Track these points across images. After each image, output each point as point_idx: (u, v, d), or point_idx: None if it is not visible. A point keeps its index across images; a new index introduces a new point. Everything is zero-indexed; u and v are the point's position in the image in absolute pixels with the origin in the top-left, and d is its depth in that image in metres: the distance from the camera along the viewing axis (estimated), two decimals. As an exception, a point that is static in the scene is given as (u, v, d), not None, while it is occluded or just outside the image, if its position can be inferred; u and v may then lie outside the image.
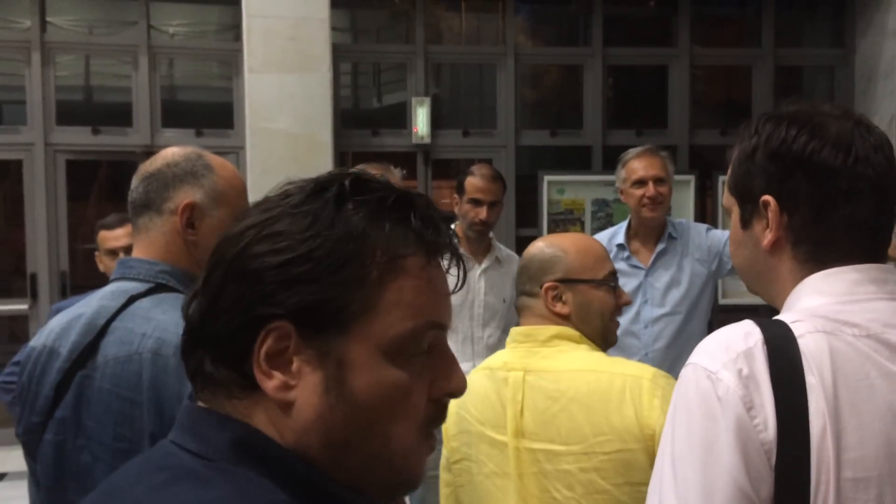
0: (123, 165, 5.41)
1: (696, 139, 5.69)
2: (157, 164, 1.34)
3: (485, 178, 2.71)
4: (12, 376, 2.28)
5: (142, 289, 1.26)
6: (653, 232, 2.72)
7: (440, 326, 0.70)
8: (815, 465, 0.78)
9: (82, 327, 1.24)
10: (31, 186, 5.15)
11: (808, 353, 0.82)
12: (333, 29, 5.09)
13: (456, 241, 0.72)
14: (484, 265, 2.78)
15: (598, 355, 1.50)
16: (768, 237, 0.94)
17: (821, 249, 0.92)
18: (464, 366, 2.66)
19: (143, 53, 5.22)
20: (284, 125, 4.94)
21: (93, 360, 1.22)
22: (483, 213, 2.68)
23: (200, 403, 0.69)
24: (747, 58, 5.91)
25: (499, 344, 2.83)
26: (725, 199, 1.02)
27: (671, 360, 2.50)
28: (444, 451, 1.60)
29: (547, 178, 5.33)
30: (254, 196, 0.80)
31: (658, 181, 2.64)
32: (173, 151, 1.36)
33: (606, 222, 5.17)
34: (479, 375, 1.57)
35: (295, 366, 0.65)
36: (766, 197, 0.94)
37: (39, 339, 1.31)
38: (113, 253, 2.35)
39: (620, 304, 1.57)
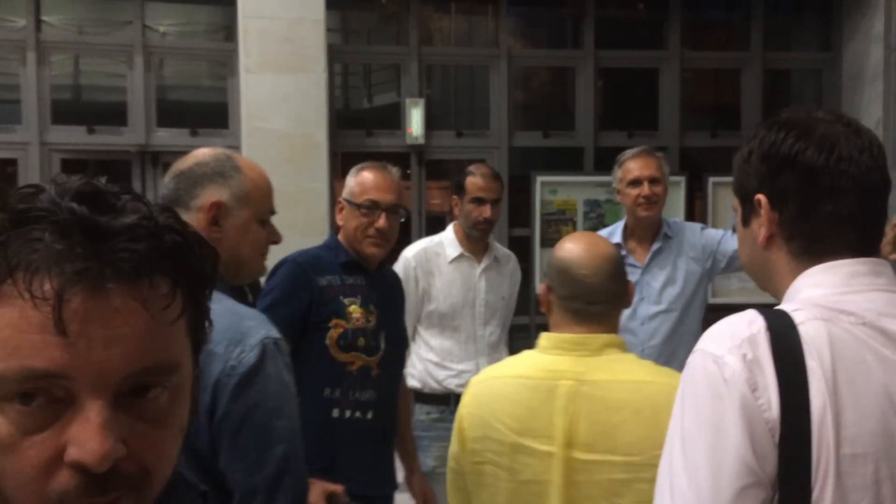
0: (118, 164, 5.43)
1: (686, 141, 5.77)
2: (188, 163, 1.39)
3: (486, 176, 2.74)
4: None
5: None
6: (648, 231, 2.78)
7: (44, 375, 0.52)
8: (816, 442, 0.84)
9: None
10: (27, 185, 5.17)
11: (808, 339, 0.88)
12: (327, 30, 5.13)
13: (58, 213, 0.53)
14: (483, 264, 2.81)
15: (649, 365, 1.51)
16: (762, 233, 1.01)
17: (812, 244, 0.98)
18: (467, 364, 2.73)
19: (138, 53, 5.24)
20: (279, 125, 4.98)
21: None
22: (487, 211, 2.70)
23: None
24: (736, 61, 5.99)
25: (499, 342, 2.88)
26: (733, 200, 1.09)
27: (666, 356, 2.56)
28: (456, 446, 1.56)
29: (540, 178, 5.39)
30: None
31: (653, 181, 2.70)
32: (204, 152, 1.41)
33: (598, 223, 5.24)
34: (512, 383, 1.50)
35: None
36: (759, 196, 1.00)
37: None
38: None
39: None
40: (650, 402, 1.38)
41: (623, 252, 2.80)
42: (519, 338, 5.76)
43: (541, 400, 1.44)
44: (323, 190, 4.96)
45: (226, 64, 5.37)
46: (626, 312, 2.75)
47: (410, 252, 2.78)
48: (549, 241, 5.43)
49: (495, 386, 1.53)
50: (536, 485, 1.43)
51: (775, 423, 0.85)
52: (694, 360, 0.93)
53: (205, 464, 1.24)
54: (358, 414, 2.03)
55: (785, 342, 0.88)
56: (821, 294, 0.94)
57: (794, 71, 6.33)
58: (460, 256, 2.78)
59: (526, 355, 1.55)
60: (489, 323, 2.81)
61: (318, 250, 2.12)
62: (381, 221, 2.08)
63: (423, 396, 2.78)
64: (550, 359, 1.47)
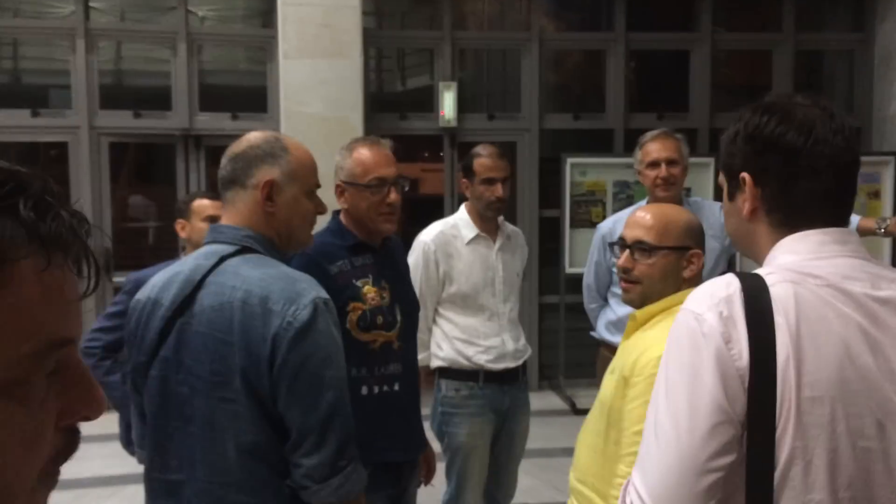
0: (162, 148, 5.66)
1: (716, 122, 5.80)
2: (242, 147, 1.55)
3: (493, 156, 2.76)
4: (94, 342, 2.53)
5: (231, 250, 1.48)
6: (668, 210, 2.89)
7: (68, 342, 0.54)
8: (780, 386, 0.98)
9: (181, 282, 1.47)
10: (77, 168, 5.40)
11: (777, 299, 1.02)
12: (362, 14, 5.27)
13: (85, 230, 0.55)
14: (499, 243, 2.85)
15: None
16: (746, 207, 1.14)
17: (790, 216, 1.11)
18: (494, 340, 2.83)
19: (182, 40, 5.44)
20: (317, 109, 5.15)
21: (191, 309, 1.45)
22: (499, 189, 2.72)
23: None
24: (768, 42, 6.00)
25: (519, 317, 2.96)
26: (719, 177, 1.22)
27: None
28: None
29: (570, 160, 5.48)
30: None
31: (671, 163, 2.79)
32: (255, 135, 1.57)
33: (627, 203, 5.31)
34: None
35: None
36: (743, 174, 1.14)
37: (144, 292, 1.54)
38: (212, 220, 2.58)
39: None
40: None
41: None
42: (549, 317, 5.90)
43: None
44: (358, 171, 5.11)
45: (265, 50, 5.55)
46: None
47: (428, 236, 2.79)
48: (579, 222, 5.53)
49: None
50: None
51: (745, 371, 0.99)
52: (679, 317, 1.07)
53: (265, 406, 1.42)
54: (385, 388, 2.07)
55: (756, 301, 1.02)
56: (792, 260, 1.08)
57: (826, 52, 6.31)
58: (477, 237, 2.81)
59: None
60: (508, 299, 2.87)
61: (324, 237, 2.10)
62: (393, 196, 2.10)
63: (451, 372, 2.80)
64: None
